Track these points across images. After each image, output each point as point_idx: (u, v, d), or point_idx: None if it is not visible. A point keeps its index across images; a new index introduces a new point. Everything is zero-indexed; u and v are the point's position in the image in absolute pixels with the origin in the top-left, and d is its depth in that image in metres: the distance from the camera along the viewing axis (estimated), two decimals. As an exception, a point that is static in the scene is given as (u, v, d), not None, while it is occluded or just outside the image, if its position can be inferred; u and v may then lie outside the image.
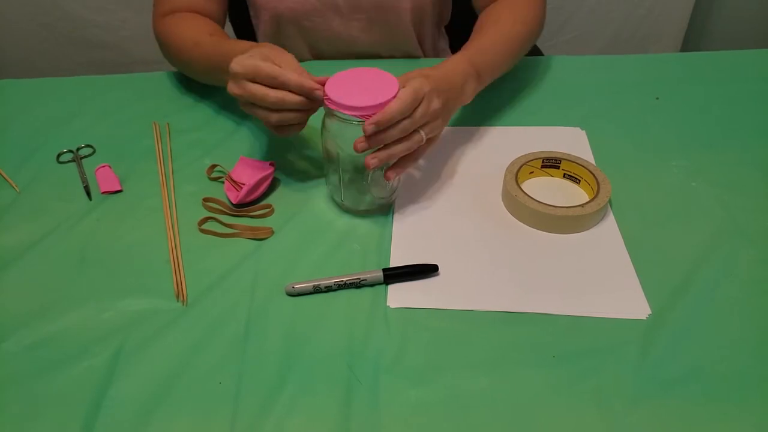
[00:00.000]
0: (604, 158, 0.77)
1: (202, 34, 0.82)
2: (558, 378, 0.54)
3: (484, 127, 0.83)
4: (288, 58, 0.67)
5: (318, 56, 1.01)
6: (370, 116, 0.61)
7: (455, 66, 0.73)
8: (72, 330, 0.59)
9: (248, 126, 0.85)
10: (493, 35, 0.81)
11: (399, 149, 0.63)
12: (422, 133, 0.64)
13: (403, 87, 0.63)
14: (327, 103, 0.63)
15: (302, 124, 0.68)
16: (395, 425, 0.51)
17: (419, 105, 0.63)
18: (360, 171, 0.67)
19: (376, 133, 0.61)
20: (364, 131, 0.61)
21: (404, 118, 0.62)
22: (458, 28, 1.07)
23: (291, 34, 0.97)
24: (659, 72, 0.93)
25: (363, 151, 0.62)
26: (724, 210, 0.69)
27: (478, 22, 0.85)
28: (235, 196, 0.70)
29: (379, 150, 0.63)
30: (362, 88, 0.63)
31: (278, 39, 0.98)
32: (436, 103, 0.65)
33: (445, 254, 0.65)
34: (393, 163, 0.65)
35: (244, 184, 0.70)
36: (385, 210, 0.71)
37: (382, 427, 0.51)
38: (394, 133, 0.62)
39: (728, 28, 1.78)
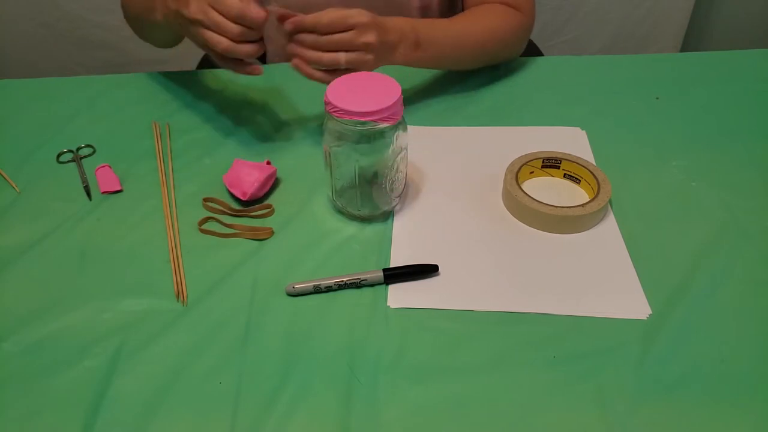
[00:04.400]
0: (604, 158, 0.77)
1: None
2: (558, 378, 0.54)
3: (484, 127, 0.83)
4: None
5: None
6: (376, 120, 0.60)
7: (396, 23, 0.76)
8: (72, 330, 0.59)
9: (248, 126, 0.85)
10: (453, 23, 0.84)
11: (311, 55, 0.70)
12: (342, 57, 0.70)
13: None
14: (328, 109, 0.62)
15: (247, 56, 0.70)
16: (395, 425, 0.51)
17: (346, 30, 0.69)
18: (362, 177, 0.66)
19: (292, 32, 0.69)
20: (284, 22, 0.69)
21: (325, 33, 0.69)
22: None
23: None
24: (659, 72, 0.93)
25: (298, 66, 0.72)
26: (724, 210, 0.69)
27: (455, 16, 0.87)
28: (243, 194, 0.70)
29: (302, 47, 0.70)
30: (363, 92, 0.62)
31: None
32: (369, 37, 0.70)
33: (445, 254, 0.65)
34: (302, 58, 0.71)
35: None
36: (385, 215, 0.71)
37: (382, 426, 0.51)
38: (308, 40, 0.69)
39: (728, 28, 1.78)
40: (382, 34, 0.72)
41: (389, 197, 0.69)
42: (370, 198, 0.68)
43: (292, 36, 0.70)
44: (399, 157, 0.66)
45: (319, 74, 0.72)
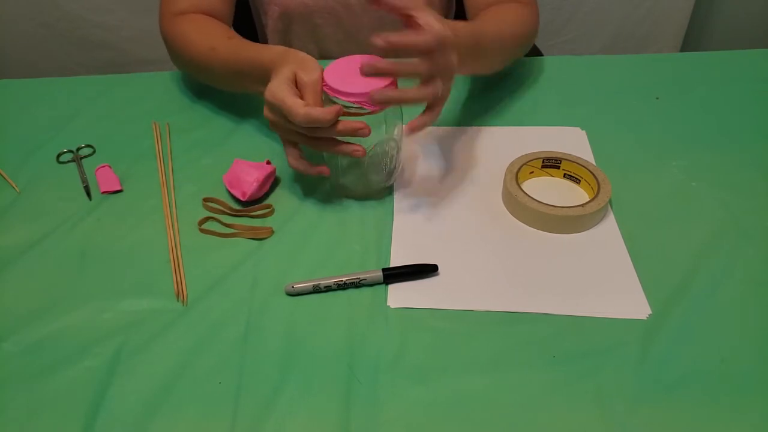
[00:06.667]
0: (604, 158, 0.77)
1: (218, 38, 0.80)
2: (558, 378, 0.54)
3: (484, 127, 0.83)
4: (311, 78, 0.64)
5: (325, 56, 1.01)
6: (365, 103, 0.61)
7: (463, 31, 0.67)
8: (72, 330, 0.59)
9: (248, 126, 0.85)
10: (496, 26, 0.79)
11: (412, 94, 0.60)
12: (440, 83, 0.60)
13: (423, 16, 0.59)
14: (325, 89, 0.64)
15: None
16: (395, 425, 0.51)
17: (441, 53, 0.59)
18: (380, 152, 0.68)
19: (386, 63, 0.58)
20: (373, 43, 0.56)
21: (425, 61, 0.59)
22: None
23: (300, 32, 0.97)
24: (659, 72, 0.93)
25: (382, 102, 0.60)
26: (724, 210, 0.69)
27: (481, 15, 0.83)
28: (242, 194, 0.70)
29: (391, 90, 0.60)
30: (355, 73, 0.62)
31: (286, 36, 0.98)
32: (454, 58, 0.61)
33: (445, 254, 0.65)
34: (415, 118, 0.62)
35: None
36: (384, 194, 0.72)
37: (382, 426, 0.51)
38: (407, 68, 0.58)
39: (728, 28, 1.78)
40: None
41: (384, 172, 0.70)
42: (362, 175, 0.70)
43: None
44: (394, 131, 0.67)
45: (427, 117, 0.62)
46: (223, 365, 0.56)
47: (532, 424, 0.51)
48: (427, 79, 0.61)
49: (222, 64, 0.78)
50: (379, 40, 0.56)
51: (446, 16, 1.03)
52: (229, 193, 0.73)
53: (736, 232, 0.66)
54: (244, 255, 0.66)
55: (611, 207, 0.70)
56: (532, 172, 0.74)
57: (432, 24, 0.59)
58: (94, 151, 0.82)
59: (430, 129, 0.82)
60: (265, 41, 1.03)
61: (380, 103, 0.61)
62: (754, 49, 0.97)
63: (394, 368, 0.55)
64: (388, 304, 0.61)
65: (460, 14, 1.02)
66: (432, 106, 0.63)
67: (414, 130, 0.63)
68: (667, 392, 0.52)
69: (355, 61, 0.65)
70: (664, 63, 0.97)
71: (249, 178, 0.70)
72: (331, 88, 0.63)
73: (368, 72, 0.59)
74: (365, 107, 0.62)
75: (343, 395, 0.53)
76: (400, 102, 0.62)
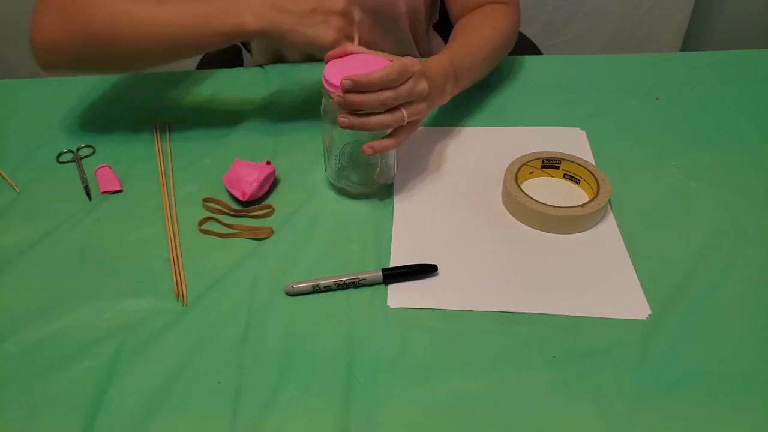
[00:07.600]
0: (604, 158, 0.77)
1: None
2: (558, 378, 0.54)
3: (484, 127, 0.83)
4: None
5: (313, 59, 1.01)
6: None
7: (437, 64, 0.72)
8: (72, 330, 0.59)
9: (248, 126, 0.85)
10: (473, 41, 0.82)
11: (374, 121, 0.63)
12: (404, 112, 0.64)
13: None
14: (324, 84, 0.65)
15: None
16: (395, 425, 0.51)
17: (406, 81, 0.63)
18: (354, 152, 0.69)
19: (352, 94, 0.61)
20: (342, 87, 0.61)
21: (387, 90, 0.62)
22: (447, 26, 1.07)
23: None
24: (659, 72, 0.93)
25: (345, 127, 0.63)
26: (724, 210, 0.69)
27: (456, 29, 0.85)
28: (242, 194, 0.70)
29: (355, 114, 0.63)
30: (355, 69, 0.63)
31: (273, 46, 0.98)
32: (423, 85, 0.65)
33: (445, 254, 0.65)
34: (374, 140, 0.65)
35: None
36: (384, 194, 0.72)
37: (381, 426, 0.51)
38: (373, 101, 0.62)
39: (728, 28, 1.78)
40: (430, 79, 0.67)
41: (380, 169, 0.70)
42: (365, 171, 0.70)
43: (345, 102, 0.63)
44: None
45: (388, 141, 0.65)
46: (223, 365, 0.56)
47: (532, 424, 0.51)
48: (391, 108, 0.64)
49: (177, 21, 0.71)
50: (347, 82, 0.61)
51: (431, 21, 1.02)
52: (229, 193, 0.73)
53: (736, 233, 0.66)
54: (244, 255, 0.66)
55: (611, 207, 0.70)
56: (531, 173, 0.74)
57: (399, 59, 0.64)
58: (94, 151, 0.82)
59: (430, 129, 0.82)
60: (249, 51, 1.03)
61: (345, 127, 0.64)
62: (754, 49, 0.97)
63: (394, 368, 0.55)
64: (387, 304, 0.61)
65: (445, 20, 1.02)
66: (396, 132, 0.66)
67: (370, 151, 0.65)
68: (667, 392, 0.52)
69: (356, 59, 0.66)
70: (664, 63, 0.97)
71: (249, 179, 0.70)
72: (324, 79, 0.65)
73: (341, 103, 0.63)
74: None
75: (343, 395, 0.53)
76: (362, 129, 0.64)
